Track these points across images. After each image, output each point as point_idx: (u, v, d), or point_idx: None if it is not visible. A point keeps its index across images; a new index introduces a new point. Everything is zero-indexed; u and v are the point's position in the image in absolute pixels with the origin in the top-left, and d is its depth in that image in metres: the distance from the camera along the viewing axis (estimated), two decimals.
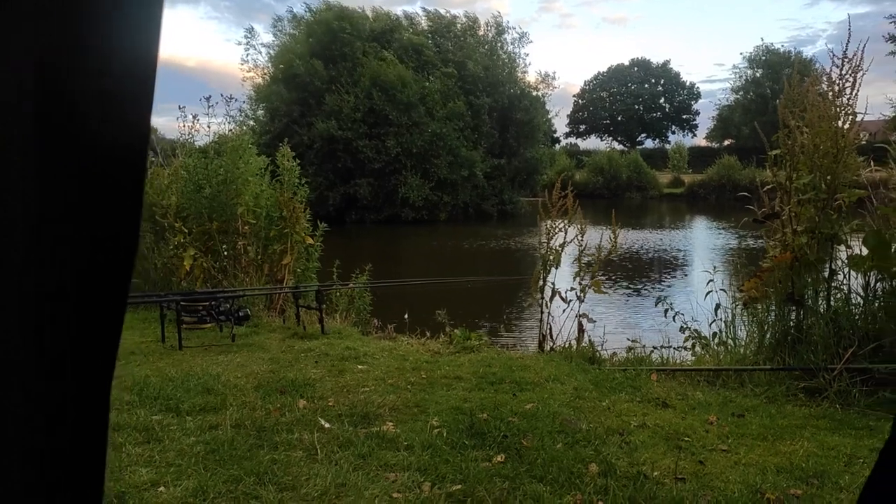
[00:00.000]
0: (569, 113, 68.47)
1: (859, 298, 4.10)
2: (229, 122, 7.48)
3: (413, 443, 2.89)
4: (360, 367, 4.29)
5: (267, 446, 2.85)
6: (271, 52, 29.16)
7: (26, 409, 0.43)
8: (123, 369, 4.16)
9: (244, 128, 25.08)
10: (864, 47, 4.05)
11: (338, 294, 6.96)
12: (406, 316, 6.20)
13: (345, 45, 26.53)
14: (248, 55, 30.70)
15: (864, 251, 3.98)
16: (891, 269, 3.89)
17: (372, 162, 25.48)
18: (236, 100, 7.20)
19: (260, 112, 28.22)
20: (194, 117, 7.12)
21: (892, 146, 4.36)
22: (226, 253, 6.53)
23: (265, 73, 28.84)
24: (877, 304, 4.01)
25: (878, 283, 4.02)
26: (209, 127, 7.13)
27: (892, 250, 3.91)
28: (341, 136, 25.09)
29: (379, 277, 8.48)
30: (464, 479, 2.54)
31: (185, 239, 6.49)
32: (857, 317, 4.02)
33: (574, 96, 69.16)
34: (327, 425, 3.12)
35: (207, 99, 7.02)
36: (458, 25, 29.56)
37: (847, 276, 4.17)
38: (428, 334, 5.68)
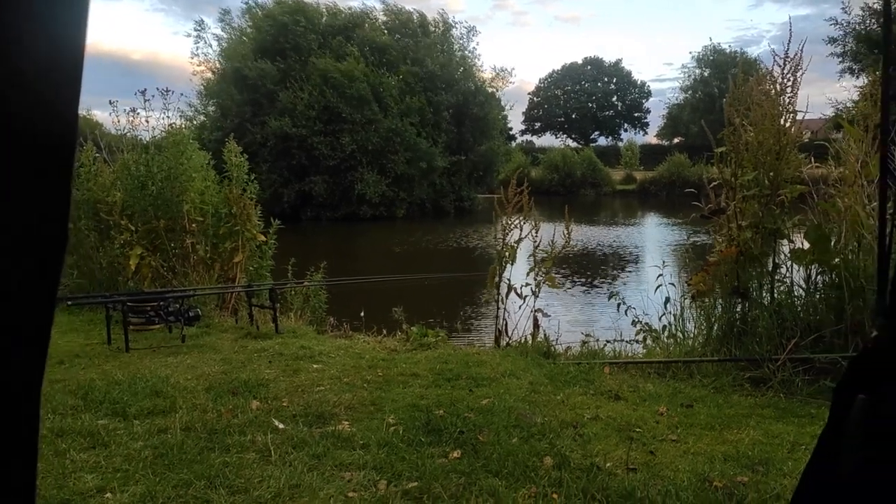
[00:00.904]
0: (524, 110, 69.10)
1: (801, 291, 4.25)
2: (179, 117, 7.20)
3: (369, 441, 2.87)
4: (315, 366, 4.24)
5: (218, 449, 2.79)
6: (223, 44, 28.48)
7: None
8: (67, 372, 4.02)
9: (194, 123, 24.51)
10: (802, 48, 4.21)
11: (293, 292, 6.86)
12: (362, 314, 6.16)
13: (299, 37, 26.11)
14: (198, 48, 29.94)
15: (806, 245, 4.14)
16: (830, 262, 4.05)
17: (327, 159, 25.18)
18: (173, 92, 6.89)
19: (211, 108, 27.57)
20: (133, 111, 6.88)
21: (832, 144, 4.53)
22: (174, 251, 6.36)
23: (216, 68, 28.17)
24: (818, 296, 4.17)
25: (819, 276, 4.18)
26: (147, 121, 6.90)
27: (832, 244, 4.08)
28: (295, 133, 24.71)
29: (335, 275, 8.40)
30: (420, 476, 2.54)
31: (132, 237, 6.29)
32: (799, 308, 4.18)
33: (529, 94, 69.77)
34: (281, 426, 3.07)
35: (143, 93, 6.79)
36: (416, 21, 29.44)
37: (790, 270, 4.33)
38: (384, 332, 5.65)
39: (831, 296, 4.03)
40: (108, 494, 2.39)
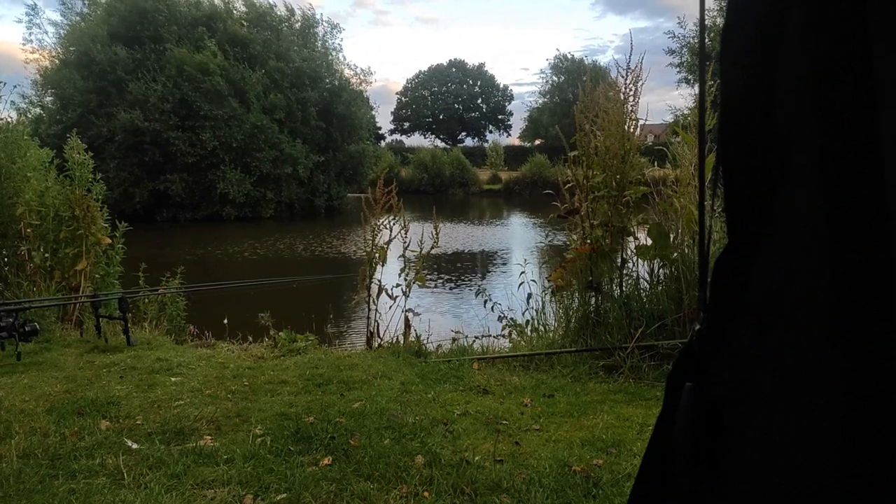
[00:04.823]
0: (393, 110, 69.31)
1: (646, 283, 4.64)
2: (10, 110, 6.45)
3: (234, 455, 2.75)
4: (173, 379, 3.99)
5: (63, 475, 2.55)
6: (61, 31, 25.89)
7: None
8: None
9: (29, 116, 22.11)
10: (642, 59, 4.60)
11: (146, 301, 6.39)
12: (226, 321, 5.88)
13: (160, 26, 24.32)
14: (31, 34, 27.05)
15: (649, 241, 4.51)
16: (670, 256, 4.45)
17: (185, 156, 23.70)
18: (15, 86, 6.20)
19: (48, 99, 24.99)
20: None
21: (670, 148, 4.97)
22: (6, 260, 5.69)
23: (53, 56, 25.54)
24: (660, 288, 4.57)
25: (661, 270, 4.58)
26: None
27: (671, 240, 4.49)
28: (148, 127, 23.03)
29: (195, 280, 7.94)
30: (289, 487, 2.48)
31: None
32: (644, 300, 4.55)
33: (397, 94, 70.18)
34: (135, 446, 2.87)
35: None
36: (277, 15, 28.48)
37: (636, 264, 4.70)
38: (251, 339, 5.44)
39: (671, 287, 4.44)
40: None
